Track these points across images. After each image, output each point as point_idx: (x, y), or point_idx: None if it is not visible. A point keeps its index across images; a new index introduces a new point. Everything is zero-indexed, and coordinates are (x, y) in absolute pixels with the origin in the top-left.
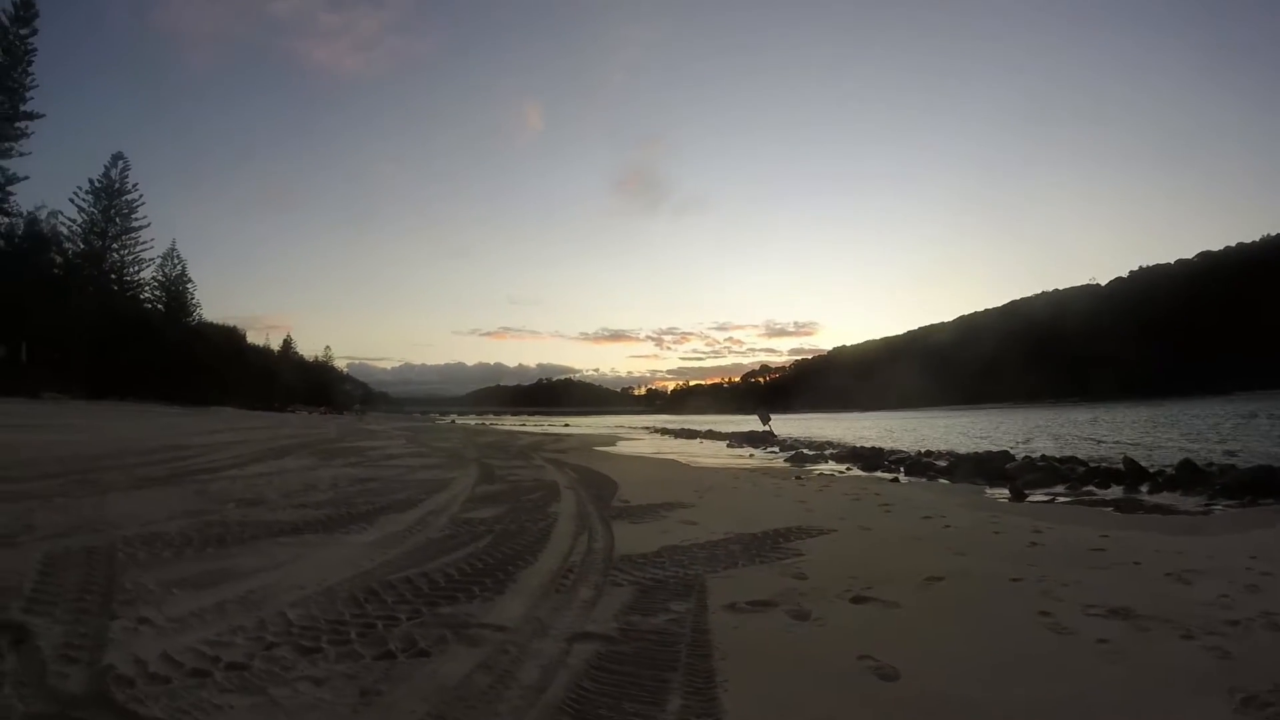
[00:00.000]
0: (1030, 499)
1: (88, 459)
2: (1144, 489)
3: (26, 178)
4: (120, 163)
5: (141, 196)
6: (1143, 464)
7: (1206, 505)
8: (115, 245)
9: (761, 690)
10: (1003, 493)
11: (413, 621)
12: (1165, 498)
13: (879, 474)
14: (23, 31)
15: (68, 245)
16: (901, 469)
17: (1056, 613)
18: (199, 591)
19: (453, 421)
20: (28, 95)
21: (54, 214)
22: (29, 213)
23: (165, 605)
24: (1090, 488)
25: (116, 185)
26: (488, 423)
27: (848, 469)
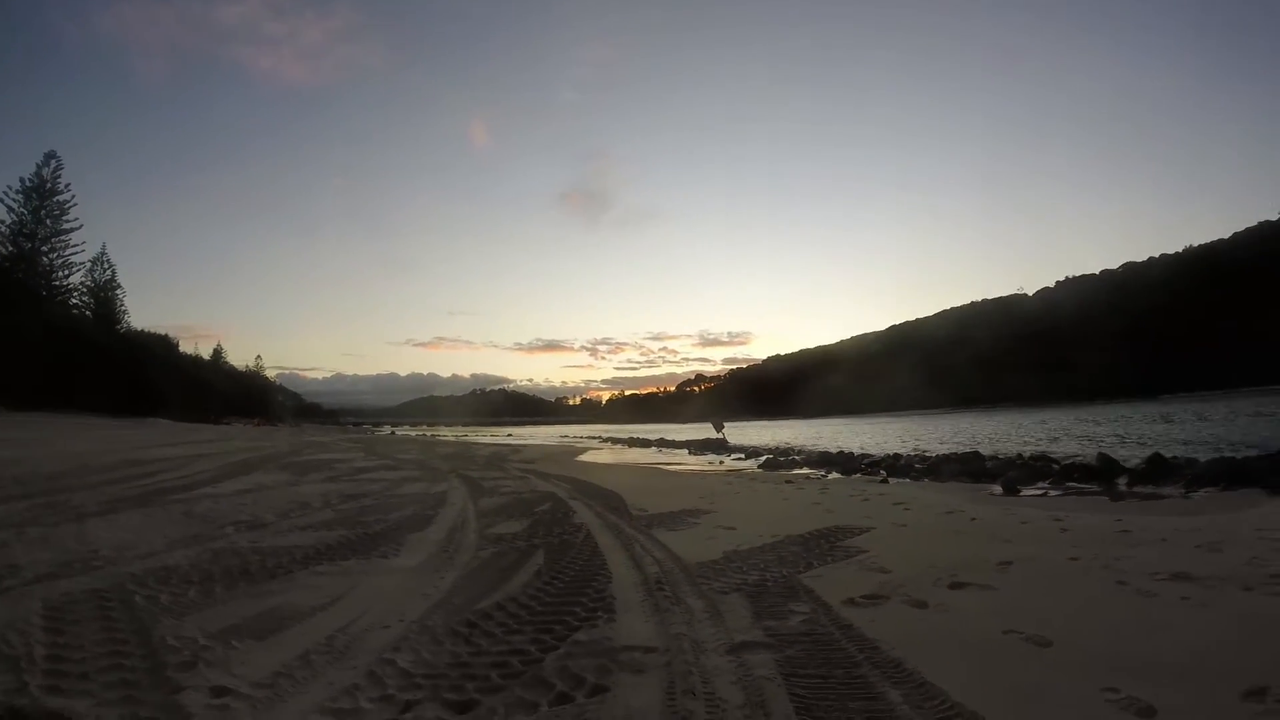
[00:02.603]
0: (1024, 494)
1: (46, 478)
2: (1120, 482)
3: None
4: (53, 161)
5: (73, 197)
6: (1114, 459)
7: (1185, 493)
8: (45, 248)
9: (955, 669)
10: (994, 489)
11: (554, 654)
12: (1143, 489)
13: (858, 476)
14: None
15: None
16: (883, 471)
17: (1131, 581)
18: (264, 642)
19: (392, 433)
20: None
21: None
22: None
23: (234, 665)
24: (1071, 482)
25: (48, 185)
26: (429, 434)
27: (827, 473)
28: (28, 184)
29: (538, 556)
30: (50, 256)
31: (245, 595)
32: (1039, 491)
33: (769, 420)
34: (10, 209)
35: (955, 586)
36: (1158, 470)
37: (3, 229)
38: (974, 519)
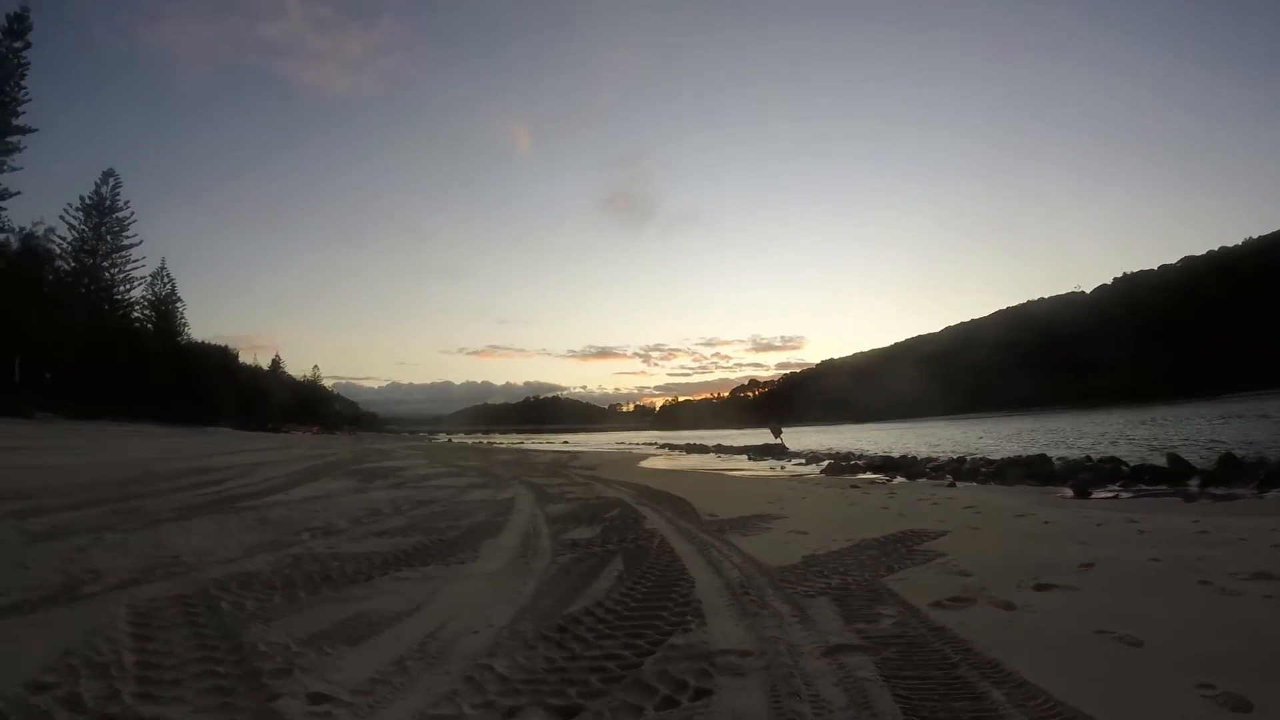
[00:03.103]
0: (1094, 496)
1: (115, 484)
2: (1192, 483)
3: (19, 193)
4: (111, 180)
5: (133, 214)
6: (1186, 460)
7: (1259, 493)
8: (106, 263)
9: (1051, 669)
10: (1064, 492)
11: (651, 658)
12: (1215, 490)
13: (923, 480)
14: (16, 44)
15: (59, 262)
16: (949, 475)
17: (1214, 581)
18: (355, 648)
19: (449, 441)
20: (20, 109)
21: (49, 230)
22: (22, 229)
23: (330, 671)
24: (1142, 484)
25: (107, 202)
26: (485, 441)
27: (891, 477)
28: (87, 201)
29: (616, 562)
30: (112, 272)
31: (330, 601)
32: (1110, 494)
33: (824, 425)
34: (71, 226)
35: (1040, 588)
36: (1230, 471)
37: (65, 245)
38: (1047, 522)
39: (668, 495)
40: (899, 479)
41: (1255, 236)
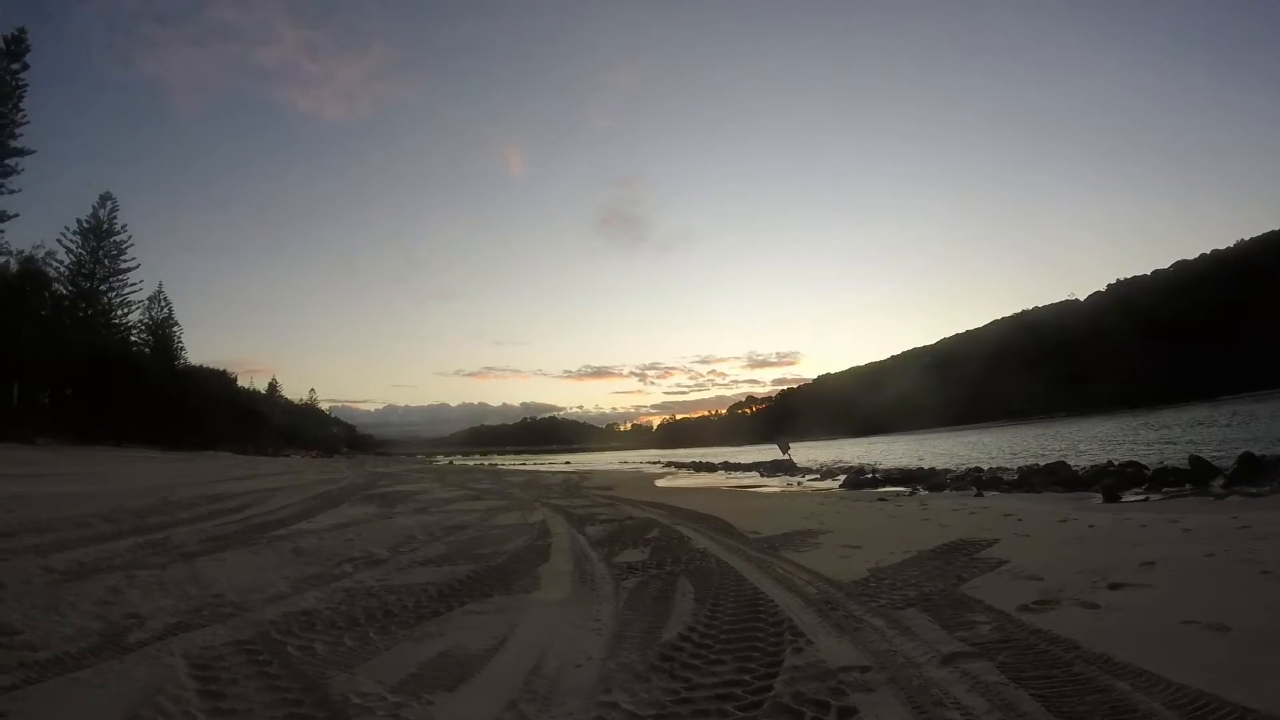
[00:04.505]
0: (1124, 499)
1: (133, 513)
2: (1216, 483)
3: (16, 215)
4: (109, 203)
5: (130, 238)
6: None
7: None
8: (103, 287)
9: (1159, 657)
10: (1094, 497)
11: (779, 680)
12: (1240, 489)
13: (948, 492)
14: (14, 66)
15: (57, 286)
16: (974, 486)
17: (1274, 570)
18: (455, 692)
19: (450, 463)
20: (18, 131)
21: (49, 254)
22: (20, 252)
23: None
24: (1166, 486)
25: (105, 226)
26: (486, 463)
27: (915, 490)
28: (85, 225)
29: (683, 584)
30: (109, 295)
31: (406, 640)
32: (1139, 497)
33: (824, 440)
34: (69, 249)
35: (1113, 587)
36: (1251, 470)
37: (62, 269)
38: (1092, 526)
39: (699, 514)
40: (923, 491)
41: (1246, 239)
